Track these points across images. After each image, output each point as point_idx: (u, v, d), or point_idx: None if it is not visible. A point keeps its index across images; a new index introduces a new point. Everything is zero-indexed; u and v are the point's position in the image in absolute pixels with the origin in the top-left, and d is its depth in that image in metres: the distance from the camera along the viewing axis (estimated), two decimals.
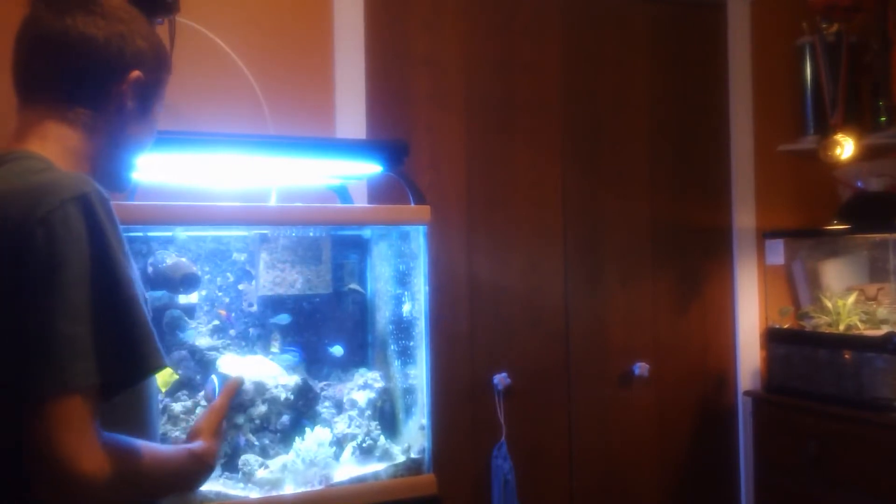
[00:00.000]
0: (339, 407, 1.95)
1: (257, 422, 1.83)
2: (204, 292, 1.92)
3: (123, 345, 0.99)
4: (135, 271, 1.06)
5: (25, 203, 0.97)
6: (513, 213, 2.68)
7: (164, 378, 1.78)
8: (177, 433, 1.73)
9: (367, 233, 2.12)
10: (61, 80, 1.12)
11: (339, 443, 1.87)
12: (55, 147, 1.11)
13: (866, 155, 2.83)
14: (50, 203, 0.97)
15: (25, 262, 0.95)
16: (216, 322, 1.92)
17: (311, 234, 1.98)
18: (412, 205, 1.93)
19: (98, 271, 0.97)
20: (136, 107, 1.17)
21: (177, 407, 1.77)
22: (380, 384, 1.99)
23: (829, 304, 2.68)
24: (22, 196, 0.99)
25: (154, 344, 1.02)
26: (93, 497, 0.94)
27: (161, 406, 1.76)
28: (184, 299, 1.88)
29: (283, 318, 1.96)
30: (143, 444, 1.05)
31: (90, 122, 1.14)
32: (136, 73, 1.15)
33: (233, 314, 1.95)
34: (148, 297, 1.18)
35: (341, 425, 1.91)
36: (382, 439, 1.91)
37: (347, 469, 1.84)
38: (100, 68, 1.13)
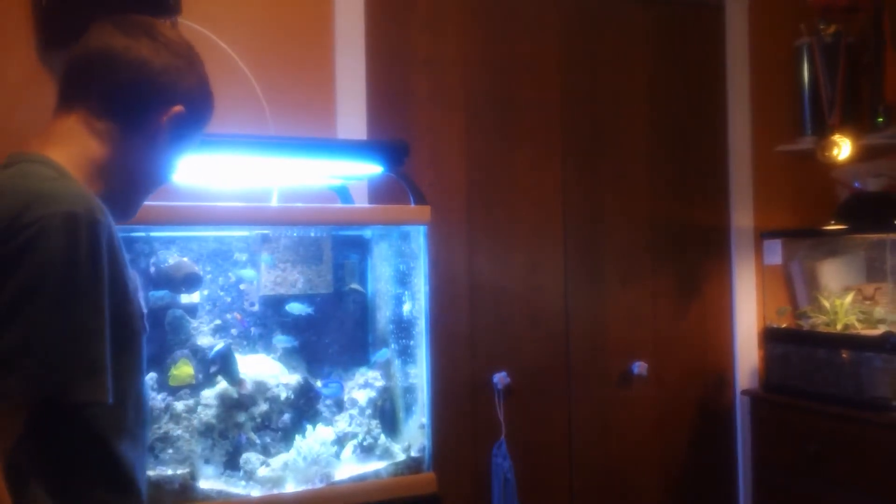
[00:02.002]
0: (339, 406, 1.96)
1: (258, 420, 1.84)
2: (206, 292, 1.93)
3: (52, 369, 0.95)
4: (112, 298, 1.02)
5: (19, 205, 0.97)
6: (513, 213, 2.69)
7: (181, 374, 1.79)
8: (178, 431, 1.74)
9: (367, 233, 2.13)
10: (105, 93, 1.14)
11: (340, 441, 1.88)
12: (76, 154, 1.12)
13: (864, 155, 2.84)
14: (39, 212, 0.96)
15: None
16: (218, 322, 1.93)
17: (313, 234, 1.99)
18: (412, 205, 1.94)
19: (57, 292, 0.95)
20: (168, 140, 1.18)
21: (179, 406, 1.78)
22: (380, 383, 2.00)
23: (826, 304, 2.69)
24: (20, 197, 0.98)
25: (93, 378, 0.97)
26: None
27: (164, 405, 1.77)
28: (186, 299, 1.89)
29: (297, 308, 1.97)
30: None
31: (119, 140, 1.15)
32: (179, 108, 1.17)
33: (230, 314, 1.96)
34: (142, 312, 1.15)
35: (342, 424, 1.92)
36: (383, 438, 1.92)
37: (348, 467, 1.85)
38: (146, 93, 1.15)
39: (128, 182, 1.18)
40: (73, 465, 1.04)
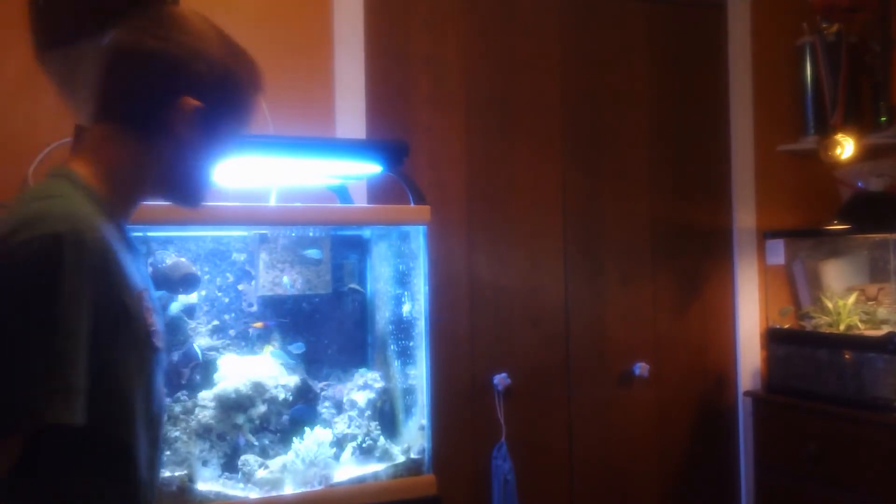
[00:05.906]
0: (338, 407, 1.95)
1: (257, 422, 1.83)
2: (204, 292, 1.92)
3: (23, 396, 0.91)
4: (98, 319, 0.97)
5: (6, 229, 0.95)
6: (513, 212, 2.68)
7: None
8: (176, 433, 1.73)
9: (366, 233, 2.12)
10: (109, 98, 1.09)
11: (339, 443, 1.87)
12: (100, 166, 1.08)
13: (866, 155, 2.83)
14: (22, 236, 0.93)
15: None
16: (216, 322, 1.92)
17: (311, 234, 1.98)
18: (412, 205, 1.93)
19: (25, 312, 0.92)
20: (196, 135, 1.10)
21: (176, 407, 1.77)
22: (380, 384, 1.99)
23: (829, 305, 2.68)
24: (10, 220, 0.96)
25: (64, 401, 0.92)
26: None
27: None
28: (184, 299, 1.88)
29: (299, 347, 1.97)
30: None
31: (140, 146, 1.09)
32: (189, 102, 1.07)
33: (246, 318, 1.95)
34: (150, 330, 1.09)
35: (341, 425, 1.91)
36: (382, 439, 1.91)
37: (347, 469, 1.84)
38: (146, 90, 1.08)
39: (171, 181, 1.13)
40: (79, 491, 1.00)
